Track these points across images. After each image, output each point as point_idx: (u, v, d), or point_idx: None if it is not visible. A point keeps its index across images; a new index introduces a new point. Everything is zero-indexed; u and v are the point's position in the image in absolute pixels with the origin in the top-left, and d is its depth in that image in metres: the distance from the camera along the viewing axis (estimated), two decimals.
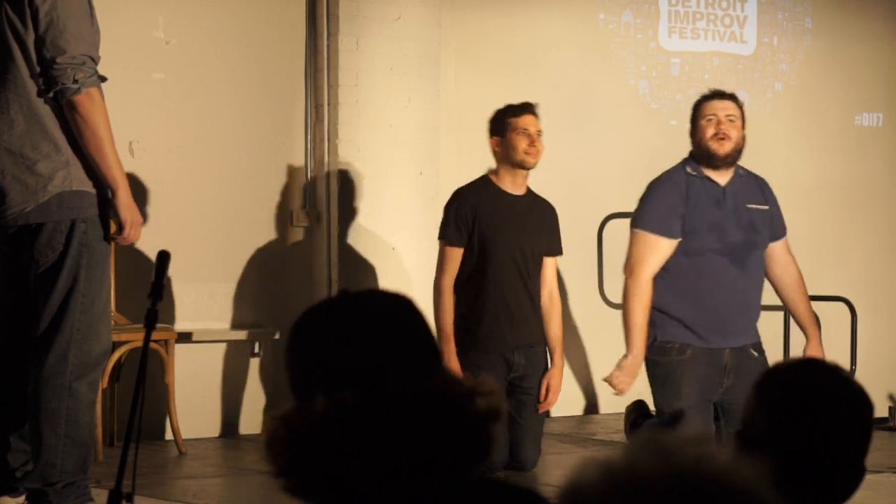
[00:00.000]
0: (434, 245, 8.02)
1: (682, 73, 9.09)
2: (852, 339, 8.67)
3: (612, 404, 8.12)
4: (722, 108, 6.03)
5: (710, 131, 5.98)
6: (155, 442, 7.10)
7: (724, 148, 5.98)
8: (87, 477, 4.94)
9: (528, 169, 6.57)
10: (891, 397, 9.40)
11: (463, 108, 8.34)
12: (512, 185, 6.57)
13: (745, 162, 6.30)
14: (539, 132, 6.56)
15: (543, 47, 8.60)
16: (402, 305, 2.06)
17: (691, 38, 9.13)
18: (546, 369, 6.62)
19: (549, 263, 6.68)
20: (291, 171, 7.87)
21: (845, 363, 8.42)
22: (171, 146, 7.52)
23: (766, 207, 6.10)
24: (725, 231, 5.97)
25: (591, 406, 8.66)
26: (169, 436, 7.07)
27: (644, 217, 6.06)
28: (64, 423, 4.83)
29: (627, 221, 8.63)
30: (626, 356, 5.97)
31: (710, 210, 5.98)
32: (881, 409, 9.12)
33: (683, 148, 9.44)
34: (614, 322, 8.54)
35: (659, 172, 6.20)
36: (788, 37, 9.42)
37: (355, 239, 7.79)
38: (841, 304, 8.73)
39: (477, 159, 8.29)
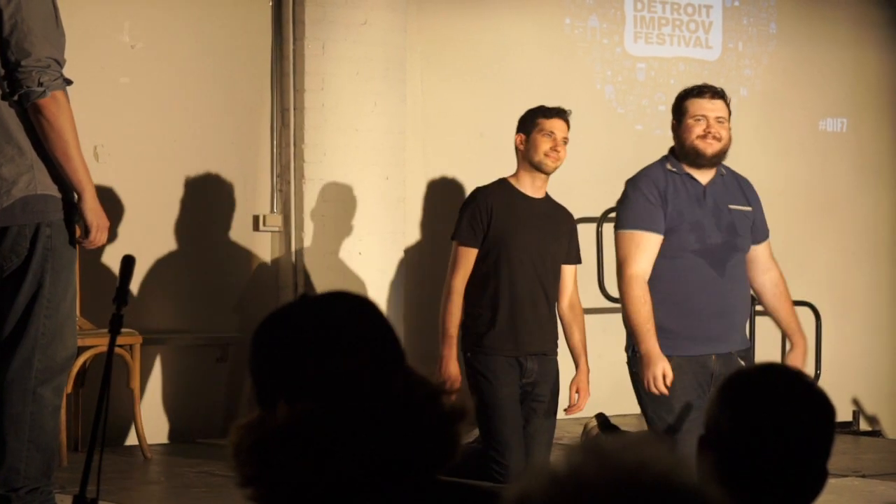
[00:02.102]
0: (400, 249, 8.04)
1: (647, 79, 9.11)
2: (817, 343, 8.71)
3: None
4: (711, 109, 5.71)
5: (697, 130, 5.69)
6: (120, 447, 7.08)
7: (712, 148, 5.70)
8: (50, 482, 4.92)
9: (546, 173, 6.38)
10: (855, 401, 9.45)
11: (429, 112, 8.34)
12: (531, 187, 6.39)
13: None
14: (565, 139, 6.40)
15: (509, 52, 8.60)
16: (363, 308, 2.04)
17: (657, 44, 9.16)
18: (557, 378, 6.44)
19: (568, 272, 6.46)
20: (257, 176, 7.85)
21: (810, 367, 8.45)
22: (136, 150, 7.50)
23: (749, 209, 5.85)
24: (706, 231, 5.70)
25: None
26: (134, 441, 7.05)
27: (624, 216, 5.74)
28: (28, 428, 4.80)
29: (593, 226, 8.68)
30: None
31: (690, 209, 5.71)
32: (846, 413, 9.17)
33: (649, 152, 9.45)
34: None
35: (624, 177, 6.05)
36: (753, 42, 9.46)
37: (321, 243, 7.78)
38: (805, 309, 8.77)
39: (443, 163, 8.30)
